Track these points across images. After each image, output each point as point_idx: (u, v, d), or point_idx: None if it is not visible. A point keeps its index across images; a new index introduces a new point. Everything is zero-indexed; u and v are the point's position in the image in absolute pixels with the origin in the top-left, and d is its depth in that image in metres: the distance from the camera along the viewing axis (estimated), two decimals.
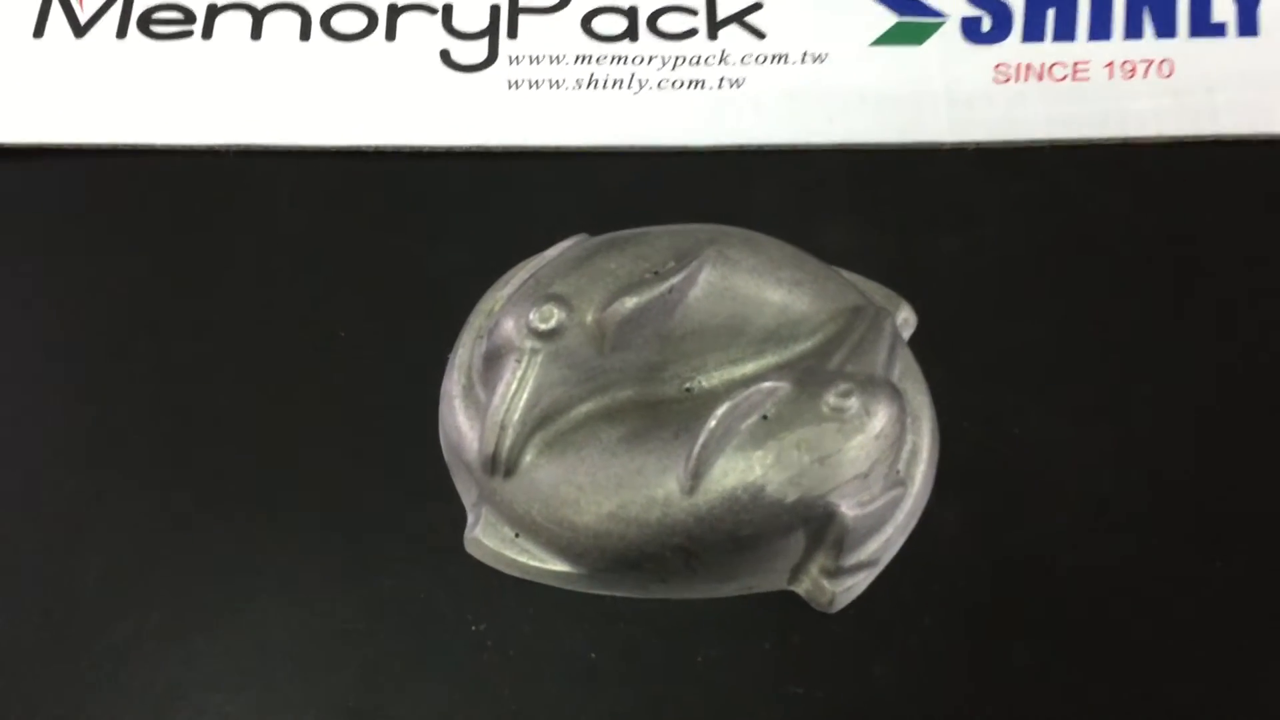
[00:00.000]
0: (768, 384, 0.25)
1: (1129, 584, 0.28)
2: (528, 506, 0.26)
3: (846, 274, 0.29)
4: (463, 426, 0.27)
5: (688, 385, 0.27)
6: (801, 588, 0.27)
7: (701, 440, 0.24)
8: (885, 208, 0.33)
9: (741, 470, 0.25)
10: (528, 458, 0.26)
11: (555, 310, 0.26)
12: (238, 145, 0.34)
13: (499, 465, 0.26)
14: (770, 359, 0.27)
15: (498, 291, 0.29)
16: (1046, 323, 0.31)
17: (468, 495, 0.28)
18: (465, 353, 0.28)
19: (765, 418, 0.25)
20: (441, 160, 0.34)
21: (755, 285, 0.27)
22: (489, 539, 0.27)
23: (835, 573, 0.26)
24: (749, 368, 0.27)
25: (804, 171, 0.34)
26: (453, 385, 0.28)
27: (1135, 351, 0.31)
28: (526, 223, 0.32)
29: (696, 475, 0.25)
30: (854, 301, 0.28)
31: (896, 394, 0.26)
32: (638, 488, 0.25)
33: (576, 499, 0.25)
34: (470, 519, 0.28)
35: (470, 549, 0.27)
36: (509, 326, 0.26)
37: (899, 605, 0.27)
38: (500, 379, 0.26)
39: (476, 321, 0.29)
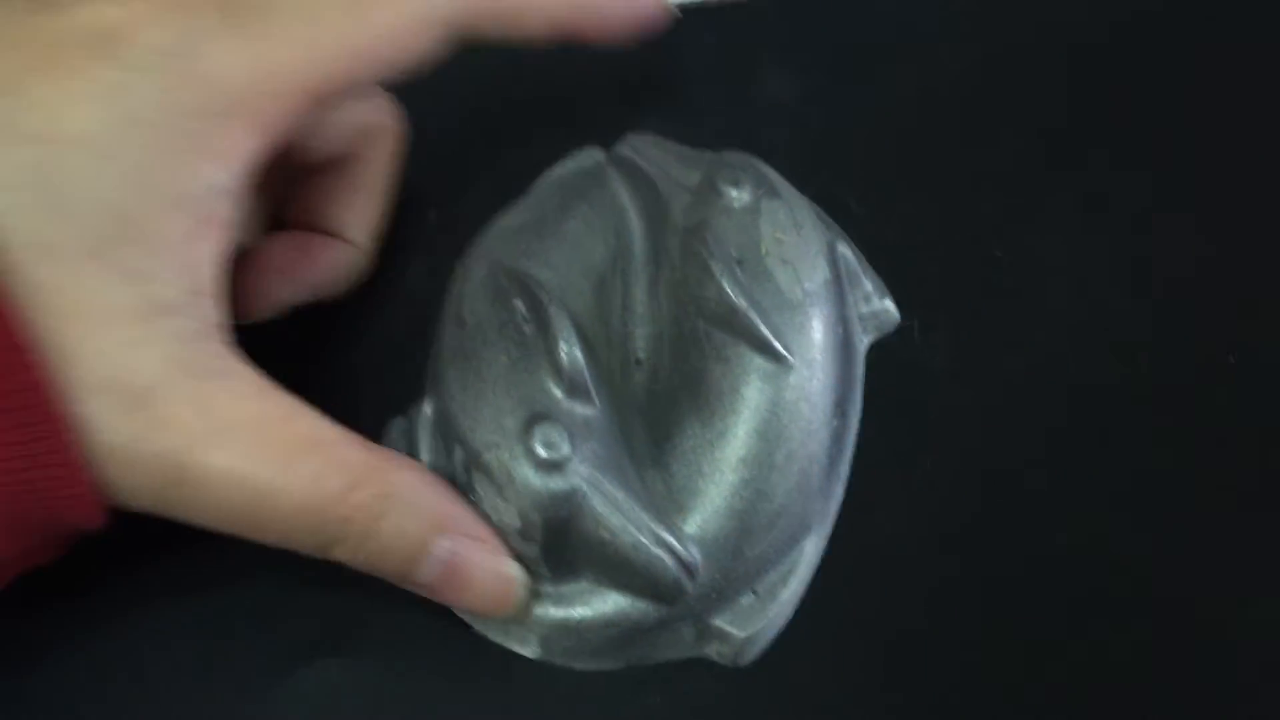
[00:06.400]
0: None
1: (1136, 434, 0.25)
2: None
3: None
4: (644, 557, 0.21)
5: (637, 359, 0.23)
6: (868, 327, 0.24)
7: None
8: (820, 49, 0.29)
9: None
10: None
11: (555, 434, 0.20)
12: None
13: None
14: (644, 276, 0.23)
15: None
16: (1023, 127, 0.28)
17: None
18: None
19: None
20: None
21: (548, 249, 0.23)
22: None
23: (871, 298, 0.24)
24: (641, 302, 0.23)
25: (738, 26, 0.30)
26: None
27: (1134, 147, 0.27)
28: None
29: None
30: (593, 161, 0.25)
31: (732, 152, 0.23)
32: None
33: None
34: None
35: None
36: (515, 477, 0.20)
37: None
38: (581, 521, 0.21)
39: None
